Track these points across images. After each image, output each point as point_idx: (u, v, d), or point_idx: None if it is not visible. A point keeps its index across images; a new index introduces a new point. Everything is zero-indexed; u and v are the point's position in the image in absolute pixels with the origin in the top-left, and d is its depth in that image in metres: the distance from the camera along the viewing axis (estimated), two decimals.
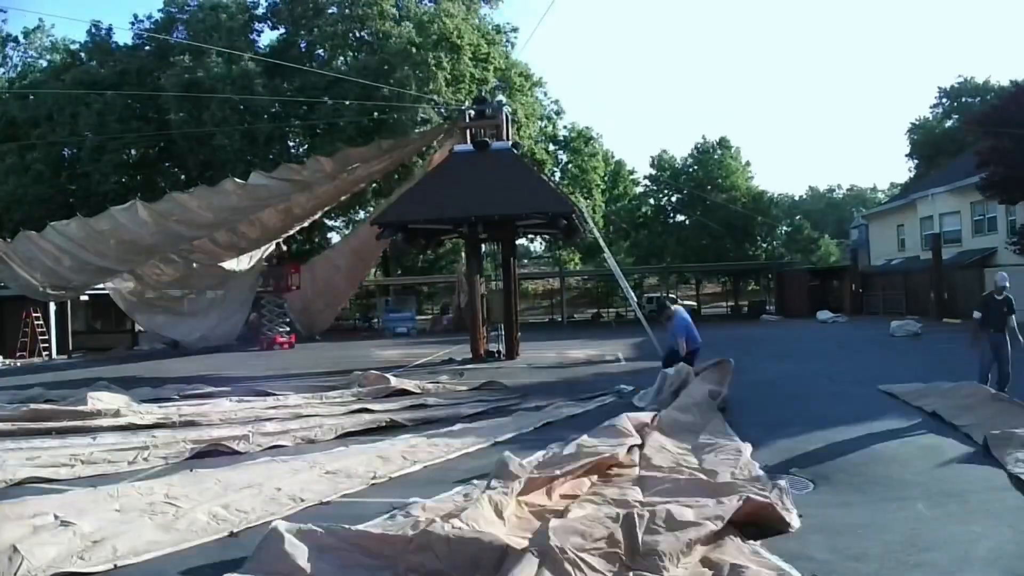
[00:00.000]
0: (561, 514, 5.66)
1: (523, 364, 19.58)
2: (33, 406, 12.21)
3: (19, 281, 22.43)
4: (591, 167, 50.23)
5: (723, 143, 56.70)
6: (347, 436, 10.27)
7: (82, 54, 44.90)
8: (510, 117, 21.63)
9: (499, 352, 21.13)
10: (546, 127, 49.87)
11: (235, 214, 20.76)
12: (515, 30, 48.29)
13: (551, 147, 50.59)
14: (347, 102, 35.23)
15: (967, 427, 8.93)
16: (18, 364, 26.97)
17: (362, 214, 41.87)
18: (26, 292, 23.17)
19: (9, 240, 21.99)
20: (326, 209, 24.40)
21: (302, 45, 42.34)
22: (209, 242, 22.62)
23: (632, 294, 23.78)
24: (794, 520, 5.76)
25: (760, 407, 11.42)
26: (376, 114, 36.75)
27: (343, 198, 23.12)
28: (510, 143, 20.91)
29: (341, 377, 16.23)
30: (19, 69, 49.76)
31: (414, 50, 35.89)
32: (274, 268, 28.66)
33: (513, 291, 21.65)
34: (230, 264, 25.16)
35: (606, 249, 22.18)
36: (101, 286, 25.12)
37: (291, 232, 24.71)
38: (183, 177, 42.71)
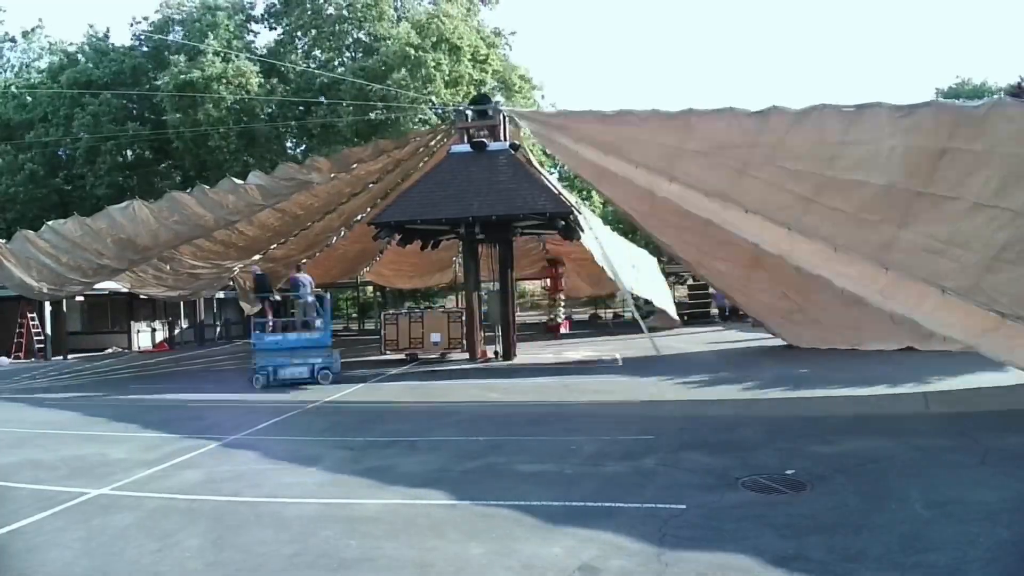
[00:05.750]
0: None
1: (518, 365, 19.55)
2: None
3: (14, 281, 22.32)
4: None
5: None
6: None
7: (78, 55, 44.77)
8: (507, 117, 21.52)
9: (496, 354, 21.07)
10: None
11: (233, 214, 20.67)
12: (513, 33, 48.29)
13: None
14: (344, 103, 35.16)
15: None
16: (19, 363, 27.00)
17: None
18: (23, 292, 23.02)
19: (4, 241, 21.87)
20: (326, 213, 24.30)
21: (299, 46, 42.28)
22: (207, 242, 22.52)
23: (630, 296, 23.70)
24: None
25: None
26: (374, 115, 36.69)
27: (344, 201, 23.02)
28: (508, 143, 20.85)
29: None
30: (16, 70, 49.62)
31: (412, 51, 35.82)
32: None
33: (510, 292, 21.62)
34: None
35: (608, 264, 21.94)
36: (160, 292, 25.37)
37: (294, 234, 24.59)
38: (179, 178, 42.58)
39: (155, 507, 7.20)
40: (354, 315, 49.58)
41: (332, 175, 20.72)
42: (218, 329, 37.68)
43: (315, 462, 8.74)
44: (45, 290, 23.13)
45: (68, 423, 12.57)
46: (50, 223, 21.24)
